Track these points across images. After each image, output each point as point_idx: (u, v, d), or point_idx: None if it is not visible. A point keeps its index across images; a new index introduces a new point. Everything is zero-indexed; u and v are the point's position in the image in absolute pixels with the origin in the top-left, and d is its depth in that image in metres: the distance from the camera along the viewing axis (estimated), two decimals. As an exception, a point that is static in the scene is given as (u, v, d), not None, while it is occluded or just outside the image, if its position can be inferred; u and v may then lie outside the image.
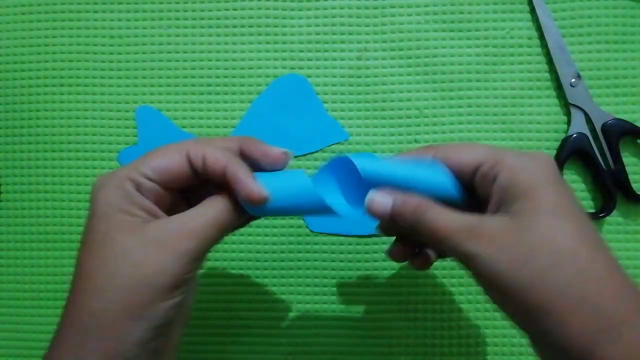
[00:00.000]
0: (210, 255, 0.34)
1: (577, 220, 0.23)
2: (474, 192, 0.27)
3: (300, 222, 0.40)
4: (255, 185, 0.25)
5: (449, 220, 0.24)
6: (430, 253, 0.30)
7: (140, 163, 0.25)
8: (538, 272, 0.22)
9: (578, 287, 0.22)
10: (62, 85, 0.41)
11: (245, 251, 0.39)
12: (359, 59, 0.40)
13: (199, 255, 0.24)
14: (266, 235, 0.40)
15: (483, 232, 0.23)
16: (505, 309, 0.24)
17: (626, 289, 0.22)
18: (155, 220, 0.25)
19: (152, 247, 0.23)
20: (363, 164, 0.26)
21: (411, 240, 0.30)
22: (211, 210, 0.25)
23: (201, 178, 0.26)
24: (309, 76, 0.40)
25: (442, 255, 0.31)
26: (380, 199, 0.26)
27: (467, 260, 0.24)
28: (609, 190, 0.37)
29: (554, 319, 0.22)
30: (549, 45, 0.38)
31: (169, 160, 0.25)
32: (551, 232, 0.22)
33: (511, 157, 0.25)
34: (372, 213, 0.26)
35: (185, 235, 0.24)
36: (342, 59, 0.40)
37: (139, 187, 0.25)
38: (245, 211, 0.26)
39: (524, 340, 0.38)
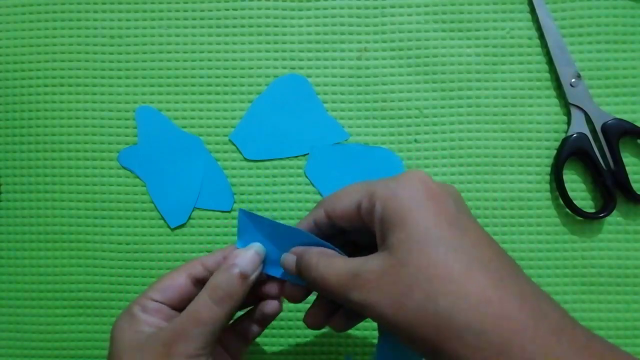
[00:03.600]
0: (208, 251, 0.35)
1: (452, 239, 0.22)
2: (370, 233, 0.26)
3: (300, 222, 0.40)
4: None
5: (335, 272, 0.24)
6: (347, 315, 0.28)
7: (148, 289, 0.29)
8: (417, 307, 0.21)
9: (458, 314, 0.20)
10: (62, 85, 0.41)
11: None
12: (359, 59, 0.40)
13: (198, 350, 0.26)
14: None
15: (363, 278, 0.22)
16: (410, 347, 0.23)
17: (512, 305, 0.20)
18: (155, 330, 0.27)
19: (152, 355, 0.26)
20: (246, 218, 0.30)
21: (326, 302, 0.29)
22: (194, 308, 0.27)
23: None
24: (309, 76, 0.40)
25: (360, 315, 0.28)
26: (289, 257, 0.28)
27: (358, 309, 0.23)
28: (609, 190, 0.37)
29: (444, 352, 0.20)
30: (549, 45, 0.38)
31: (171, 281, 0.29)
32: (423, 261, 0.21)
33: (381, 186, 0.24)
34: (286, 270, 0.28)
35: (176, 339, 0.26)
36: (342, 59, 0.40)
37: (144, 309, 0.28)
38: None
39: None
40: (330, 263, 0.25)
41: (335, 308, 0.28)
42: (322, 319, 0.28)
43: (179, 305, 0.29)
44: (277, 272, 0.30)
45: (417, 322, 0.21)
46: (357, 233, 0.28)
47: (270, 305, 0.31)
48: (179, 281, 0.29)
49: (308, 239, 0.28)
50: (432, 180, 0.24)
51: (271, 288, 0.30)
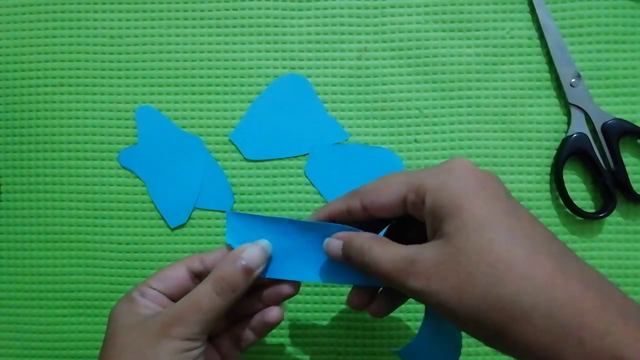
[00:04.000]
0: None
1: (509, 225, 0.22)
2: (417, 222, 0.26)
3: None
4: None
5: (390, 258, 0.24)
6: (388, 300, 0.29)
7: (148, 278, 0.30)
8: (480, 293, 0.21)
9: (524, 298, 0.20)
10: (62, 85, 0.41)
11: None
12: (359, 59, 0.40)
13: (195, 336, 0.26)
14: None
15: (421, 265, 0.23)
16: (468, 332, 0.23)
17: (578, 288, 0.20)
18: (154, 313, 0.28)
19: (148, 334, 0.26)
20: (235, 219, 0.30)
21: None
22: (196, 296, 0.27)
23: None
24: (309, 76, 0.40)
25: (399, 298, 0.29)
26: (334, 242, 0.27)
27: (415, 296, 0.23)
28: (609, 190, 0.37)
29: (510, 336, 0.21)
30: (549, 45, 0.38)
31: (171, 272, 0.30)
32: (483, 247, 0.21)
33: (429, 177, 0.24)
34: (329, 255, 0.28)
35: (175, 323, 0.26)
36: (342, 59, 0.40)
37: (143, 294, 0.29)
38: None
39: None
40: (384, 248, 0.25)
41: (377, 290, 0.28)
42: (367, 300, 0.28)
43: (176, 296, 0.29)
44: (278, 274, 0.30)
45: (482, 308, 0.21)
46: (396, 222, 0.29)
47: (272, 313, 0.30)
48: (178, 273, 0.30)
49: (325, 228, 0.28)
50: (476, 167, 0.24)
51: (277, 291, 0.30)
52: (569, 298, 0.20)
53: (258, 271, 0.29)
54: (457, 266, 0.22)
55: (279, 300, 0.31)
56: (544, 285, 0.20)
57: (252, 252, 0.28)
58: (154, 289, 0.29)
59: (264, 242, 0.29)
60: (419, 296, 0.23)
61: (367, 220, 0.28)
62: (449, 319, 0.23)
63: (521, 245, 0.21)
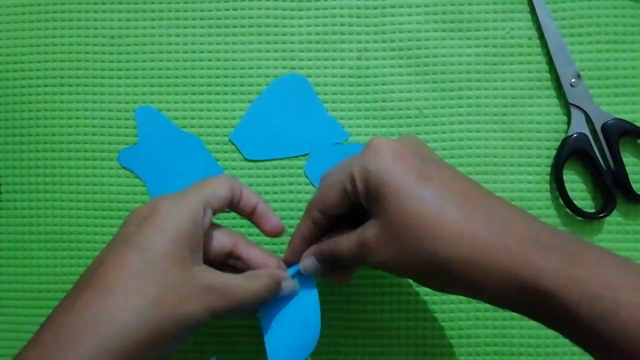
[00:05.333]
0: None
1: (418, 192, 0.25)
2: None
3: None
4: (278, 220, 0.31)
5: (347, 246, 0.28)
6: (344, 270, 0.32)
7: (203, 187, 0.28)
8: (413, 257, 0.26)
9: (441, 253, 0.25)
10: (62, 85, 0.41)
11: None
12: (359, 59, 0.40)
13: (223, 315, 0.27)
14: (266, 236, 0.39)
15: (368, 245, 0.27)
16: (418, 282, 0.29)
17: (482, 229, 0.24)
18: (201, 265, 0.27)
19: (194, 292, 0.25)
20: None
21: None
22: (255, 285, 0.28)
23: (234, 210, 0.31)
24: (309, 76, 0.40)
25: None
26: (307, 260, 0.31)
27: (375, 267, 0.28)
28: (609, 190, 0.37)
29: (441, 281, 0.26)
30: (549, 45, 0.38)
31: (222, 188, 0.29)
32: (405, 219, 0.25)
33: (356, 165, 0.27)
34: (310, 272, 0.31)
35: (225, 298, 0.26)
36: (342, 59, 0.40)
37: (205, 214, 0.27)
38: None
39: (524, 341, 0.38)
40: (342, 241, 0.29)
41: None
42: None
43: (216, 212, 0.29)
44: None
45: (417, 266, 0.26)
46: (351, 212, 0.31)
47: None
48: (226, 191, 0.29)
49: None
50: (395, 142, 0.27)
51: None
52: (474, 243, 0.24)
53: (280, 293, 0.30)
54: (392, 239, 0.26)
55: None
56: (452, 237, 0.24)
57: (288, 285, 0.31)
58: (210, 206, 0.28)
59: (295, 285, 0.32)
60: (378, 266, 0.27)
61: (332, 222, 0.31)
62: (400, 275, 0.28)
63: (432, 208, 0.25)
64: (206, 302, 0.26)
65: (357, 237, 0.28)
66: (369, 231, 0.27)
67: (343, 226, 0.31)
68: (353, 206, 0.29)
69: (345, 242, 0.28)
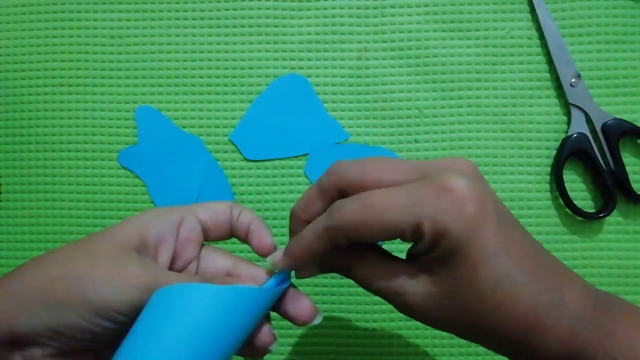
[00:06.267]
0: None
1: (500, 264, 0.22)
2: None
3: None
4: (269, 238, 0.27)
5: (382, 285, 0.24)
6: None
7: (195, 204, 0.27)
8: (464, 329, 0.24)
9: (500, 332, 0.23)
10: (62, 85, 0.41)
11: (245, 251, 0.39)
12: (359, 59, 0.40)
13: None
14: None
15: (409, 299, 0.23)
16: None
17: (536, 317, 0.22)
18: (145, 257, 0.25)
19: (117, 266, 0.23)
20: None
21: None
22: (192, 279, 0.25)
23: (234, 235, 0.28)
24: (309, 76, 0.40)
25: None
26: (279, 257, 0.25)
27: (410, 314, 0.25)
28: (609, 190, 0.37)
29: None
30: (549, 45, 0.38)
31: (218, 206, 0.27)
32: (472, 295, 0.22)
33: (429, 217, 0.21)
34: (282, 269, 0.26)
35: (144, 275, 0.23)
36: (342, 59, 0.40)
37: (181, 221, 0.26)
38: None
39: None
40: (369, 274, 0.24)
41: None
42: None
43: (210, 233, 0.27)
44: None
45: (463, 332, 0.24)
46: None
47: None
48: (224, 211, 0.27)
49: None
50: (474, 187, 0.22)
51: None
52: (535, 327, 0.22)
53: None
54: (446, 305, 0.23)
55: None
56: (518, 325, 0.22)
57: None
58: (197, 218, 0.26)
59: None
60: (410, 315, 0.24)
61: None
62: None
63: (505, 291, 0.22)
64: (121, 280, 0.23)
65: (396, 282, 0.23)
66: (414, 284, 0.23)
67: None
68: None
69: (373, 276, 0.24)
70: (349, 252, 0.24)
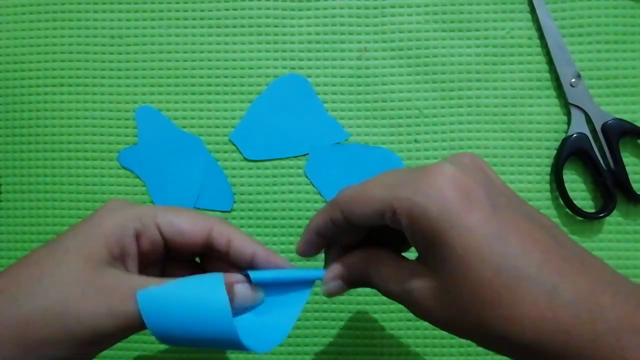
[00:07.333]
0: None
1: (492, 253, 0.20)
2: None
3: (299, 224, 0.40)
4: (285, 262, 0.26)
5: (391, 287, 0.24)
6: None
7: (162, 210, 0.25)
8: (470, 328, 0.21)
9: (512, 336, 0.20)
10: (62, 85, 0.41)
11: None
12: (359, 59, 0.40)
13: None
14: (266, 236, 0.40)
15: (416, 298, 0.23)
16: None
17: (567, 315, 0.19)
18: (118, 269, 0.24)
19: (96, 290, 0.22)
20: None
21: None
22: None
23: (211, 254, 0.26)
24: (309, 76, 0.40)
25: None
26: (334, 287, 0.26)
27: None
28: (609, 190, 0.37)
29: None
30: (549, 45, 0.38)
31: (186, 219, 0.25)
32: (471, 286, 0.21)
33: (404, 199, 0.22)
34: (333, 294, 0.26)
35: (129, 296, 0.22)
36: (342, 59, 0.40)
37: (141, 231, 0.25)
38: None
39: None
40: (378, 274, 0.24)
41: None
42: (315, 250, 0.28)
43: (178, 249, 0.26)
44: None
45: (474, 336, 0.22)
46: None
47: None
48: (199, 229, 0.25)
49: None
50: (456, 170, 0.22)
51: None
52: (557, 331, 0.19)
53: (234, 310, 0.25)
54: (448, 303, 0.22)
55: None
56: (531, 322, 0.20)
57: (243, 290, 0.25)
58: (159, 229, 0.25)
59: (259, 293, 0.26)
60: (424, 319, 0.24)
61: (351, 227, 0.26)
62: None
63: (510, 281, 0.20)
64: (105, 302, 0.22)
65: (403, 284, 0.23)
66: (418, 282, 0.23)
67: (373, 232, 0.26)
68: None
69: (388, 278, 0.24)
70: (365, 260, 0.25)
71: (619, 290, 0.20)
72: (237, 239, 0.26)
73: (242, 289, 0.25)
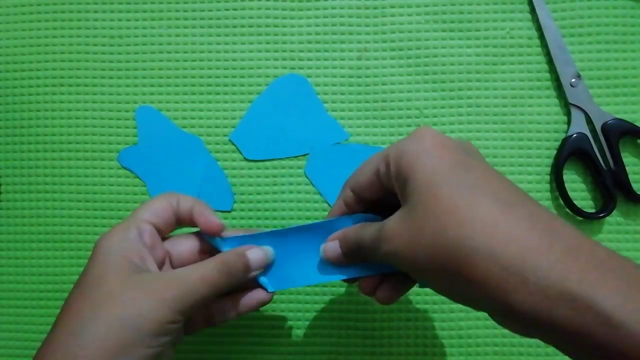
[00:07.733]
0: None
1: (454, 178, 0.22)
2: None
3: (299, 224, 0.40)
4: (215, 217, 0.29)
5: (369, 231, 0.26)
6: (391, 286, 0.29)
7: (139, 211, 0.29)
8: (429, 244, 0.22)
9: (465, 241, 0.21)
10: (62, 85, 0.41)
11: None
12: (359, 59, 0.40)
13: (185, 306, 0.26)
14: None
15: (386, 230, 0.24)
16: (428, 285, 0.25)
17: (521, 227, 0.21)
18: (148, 271, 0.27)
19: (140, 290, 0.25)
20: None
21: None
22: (201, 268, 0.27)
23: (180, 223, 0.30)
24: (309, 76, 0.40)
25: (402, 284, 0.29)
26: (330, 244, 0.29)
27: (387, 261, 0.25)
28: (609, 190, 0.37)
29: (458, 281, 0.21)
30: (549, 45, 0.38)
31: (158, 204, 0.29)
32: (430, 202, 0.22)
33: (393, 147, 0.26)
34: (330, 260, 0.29)
35: (173, 284, 0.26)
36: (342, 59, 0.40)
37: (140, 232, 0.28)
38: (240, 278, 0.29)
39: (524, 341, 0.38)
40: (364, 228, 0.27)
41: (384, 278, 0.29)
42: (375, 284, 0.29)
43: (164, 231, 0.30)
44: (282, 284, 0.31)
45: (430, 257, 0.22)
46: (385, 204, 0.28)
47: (259, 293, 0.31)
48: (164, 206, 0.29)
49: (318, 227, 0.30)
50: (441, 133, 0.25)
51: (252, 297, 0.31)
52: (510, 238, 0.20)
53: (255, 273, 0.30)
54: (411, 223, 0.23)
55: (253, 307, 0.31)
56: (483, 227, 0.21)
57: (256, 253, 0.30)
58: (149, 223, 0.29)
59: (268, 249, 0.30)
60: (389, 260, 0.24)
61: (363, 208, 0.29)
62: (411, 274, 0.25)
63: (463, 193, 0.22)
64: (159, 297, 0.25)
65: (381, 223, 0.25)
66: (393, 217, 0.24)
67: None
68: (386, 191, 0.27)
69: (370, 227, 0.26)
70: (359, 226, 0.28)
71: (576, 230, 0.22)
72: (181, 198, 0.30)
73: (256, 252, 0.30)
